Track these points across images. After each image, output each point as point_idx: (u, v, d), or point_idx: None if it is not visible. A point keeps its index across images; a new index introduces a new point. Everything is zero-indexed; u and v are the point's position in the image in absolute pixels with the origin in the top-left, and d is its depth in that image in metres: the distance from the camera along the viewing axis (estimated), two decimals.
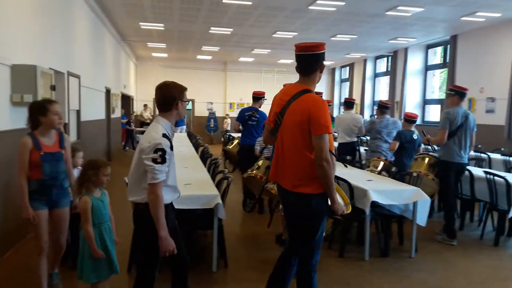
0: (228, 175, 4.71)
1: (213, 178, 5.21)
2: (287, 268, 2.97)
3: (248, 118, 6.85)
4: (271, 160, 3.84)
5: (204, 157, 7.61)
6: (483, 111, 10.87)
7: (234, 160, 7.93)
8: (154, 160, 2.50)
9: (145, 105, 17.65)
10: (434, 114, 13.94)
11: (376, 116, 7.33)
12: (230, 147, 8.12)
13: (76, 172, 3.67)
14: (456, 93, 5.35)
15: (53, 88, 5.36)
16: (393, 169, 5.62)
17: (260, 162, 5.22)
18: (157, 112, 2.82)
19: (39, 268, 3.32)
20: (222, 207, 4.01)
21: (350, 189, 4.42)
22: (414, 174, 5.40)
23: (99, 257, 2.90)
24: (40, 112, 3.28)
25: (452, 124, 5.21)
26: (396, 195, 4.39)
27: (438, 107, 13.49)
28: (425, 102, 14.06)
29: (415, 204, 4.47)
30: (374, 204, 4.37)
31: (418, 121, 13.55)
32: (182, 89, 2.77)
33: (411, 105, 14.03)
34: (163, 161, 2.52)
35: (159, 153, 2.50)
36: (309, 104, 2.69)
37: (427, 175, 5.44)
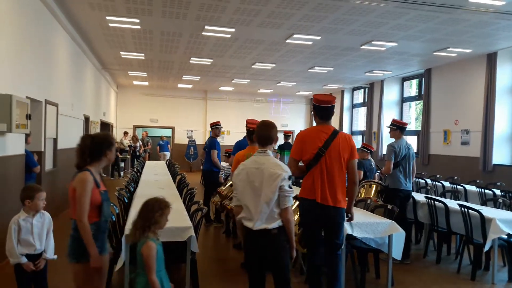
0: (202, 207, 4.68)
1: (188, 209, 5.16)
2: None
3: (205, 147, 8.02)
4: None
5: (181, 186, 7.56)
6: (458, 143, 11.17)
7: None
8: (289, 186, 3.00)
9: (126, 133, 17.52)
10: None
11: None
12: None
13: (37, 219, 3.40)
14: (397, 127, 5.91)
15: (28, 117, 5.30)
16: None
17: (230, 182, 5.85)
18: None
19: None
20: (195, 239, 3.96)
21: None
22: (368, 201, 5.80)
23: None
24: (108, 147, 2.99)
25: (397, 155, 5.73)
26: (371, 228, 4.42)
27: (415, 138, 13.78)
28: None
29: (390, 237, 4.50)
30: (350, 237, 4.38)
31: None
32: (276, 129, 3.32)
33: (388, 135, 14.28)
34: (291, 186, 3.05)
35: (290, 180, 3.02)
36: (348, 139, 3.78)
37: (376, 201, 5.84)
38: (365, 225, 4.41)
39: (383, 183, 6.33)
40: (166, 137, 19.31)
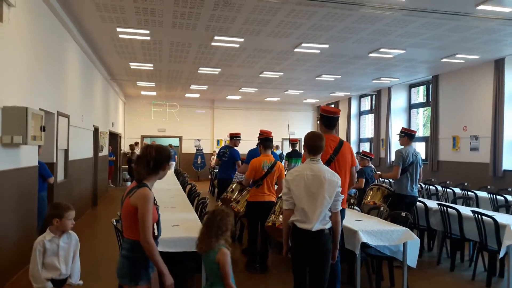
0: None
1: (201, 218, 5.18)
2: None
3: (222, 155, 7.88)
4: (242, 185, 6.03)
5: (192, 196, 7.59)
6: (467, 149, 11.13)
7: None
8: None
9: (136, 143, 17.59)
10: (420, 152, 14.14)
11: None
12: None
13: (64, 240, 3.21)
14: (405, 135, 6.16)
15: (43, 129, 5.37)
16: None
17: (233, 186, 6.31)
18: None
19: None
20: None
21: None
22: (381, 208, 5.91)
23: None
24: (167, 160, 2.81)
25: (404, 161, 5.96)
26: (386, 236, 4.42)
27: (423, 144, 13.76)
28: None
29: (404, 245, 4.50)
30: (364, 245, 4.38)
31: None
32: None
33: (396, 142, 14.25)
34: None
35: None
36: (350, 147, 4.22)
37: (381, 206, 5.95)
38: (379, 233, 4.42)
39: (390, 188, 6.45)
40: (174, 146, 19.41)
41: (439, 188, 8.96)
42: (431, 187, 9.15)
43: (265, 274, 5.50)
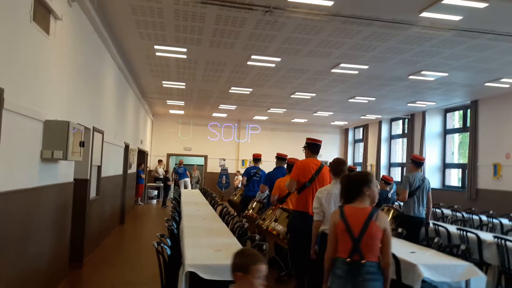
0: (261, 242, 4.40)
1: (241, 242, 4.89)
2: None
3: (253, 175, 8.53)
4: (262, 203, 7.20)
5: (225, 217, 7.32)
6: (511, 178, 10.57)
7: (236, 209, 9.08)
8: None
9: (160, 161, 17.55)
10: (454, 178, 13.62)
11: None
12: (234, 198, 9.37)
13: None
14: (412, 162, 6.80)
15: (82, 144, 5.22)
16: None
17: (254, 204, 7.20)
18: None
19: None
20: None
21: (396, 263, 4.08)
22: (436, 240, 5.51)
23: None
24: (365, 183, 3.07)
25: (411, 186, 6.49)
26: (448, 270, 4.03)
27: (459, 171, 13.22)
28: (445, 166, 13.81)
29: (468, 282, 4.10)
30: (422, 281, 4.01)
31: (438, 186, 13.28)
32: None
33: (431, 168, 13.78)
34: None
35: None
36: (328, 170, 5.07)
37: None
38: (441, 267, 4.03)
39: (399, 209, 7.19)
40: (197, 165, 19.27)
41: (484, 218, 8.45)
42: (474, 216, 8.64)
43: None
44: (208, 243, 4.58)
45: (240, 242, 4.93)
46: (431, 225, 6.82)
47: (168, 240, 4.62)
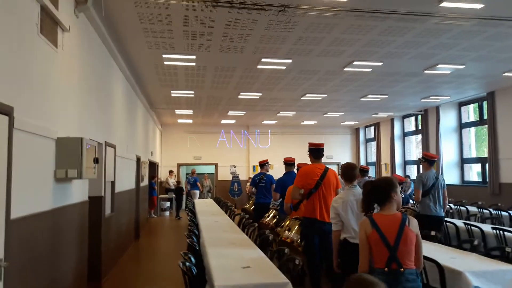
0: (294, 256, 4.14)
1: (269, 257, 4.63)
2: None
3: (258, 182, 8.44)
4: (278, 211, 7.26)
5: (245, 228, 7.05)
6: None
7: (251, 217, 8.82)
8: None
9: (171, 171, 17.34)
10: (474, 173, 13.25)
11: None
12: (247, 206, 9.64)
13: None
14: (425, 160, 6.58)
15: (96, 161, 4.99)
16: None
17: (271, 212, 7.45)
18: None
19: None
20: None
21: (440, 271, 3.79)
22: (475, 242, 5.27)
23: None
24: (393, 188, 3.00)
25: (425, 185, 6.35)
26: (497, 276, 3.73)
27: (478, 166, 12.86)
28: (463, 161, 13.45)
29: None
30: None
31: (457, 182, 12.94)
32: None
33: (449, 164, 13.43)
34: None
35: None
36: (334, 173, 5.19)
37: None
38: (489, 273, 3.74)
39: (415, 209, 7.00)
40: (208, 174, 18.99)
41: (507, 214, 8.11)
42: (503, 213, 8.30)
43: None
44: (234, 258, 4.33)
45: (265, 254, 4.68)
46: (462, 225, 6.52)
47: (192, 258, 4.37)
